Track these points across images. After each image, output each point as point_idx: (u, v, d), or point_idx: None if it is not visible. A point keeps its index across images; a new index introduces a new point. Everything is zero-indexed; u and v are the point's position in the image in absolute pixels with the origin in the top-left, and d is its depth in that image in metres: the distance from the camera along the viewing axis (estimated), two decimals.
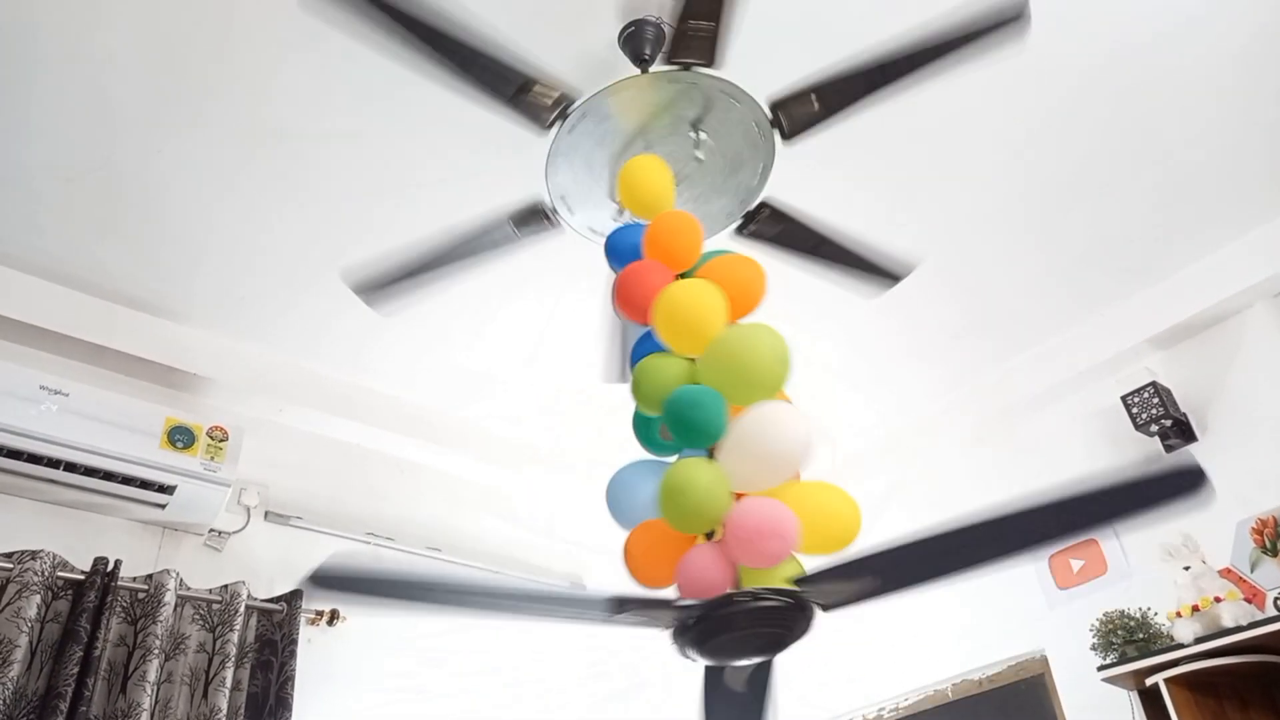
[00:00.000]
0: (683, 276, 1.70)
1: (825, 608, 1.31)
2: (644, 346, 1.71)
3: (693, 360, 1.60)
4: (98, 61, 2.13)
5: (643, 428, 1.71)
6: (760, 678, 1.60)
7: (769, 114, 1.90)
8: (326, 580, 1.31)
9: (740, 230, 2.13)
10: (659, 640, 1.34)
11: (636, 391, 1.60)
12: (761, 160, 1.99)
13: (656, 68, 1.92)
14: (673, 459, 1.58)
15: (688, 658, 1.30)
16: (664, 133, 1.95)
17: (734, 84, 1.88)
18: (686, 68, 1.85)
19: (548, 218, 2.05)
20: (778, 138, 1.95)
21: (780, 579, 1.29)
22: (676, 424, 1.48)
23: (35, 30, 2.04)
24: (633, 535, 1.52)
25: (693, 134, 1.94)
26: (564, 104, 1.86)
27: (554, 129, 1.90)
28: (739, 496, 1.43)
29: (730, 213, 2.09)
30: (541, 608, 1.54)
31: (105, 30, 2.06)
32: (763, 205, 2.07)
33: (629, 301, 1.68)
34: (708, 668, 1.55)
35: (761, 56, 2.04)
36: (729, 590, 1.28)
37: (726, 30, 1.78)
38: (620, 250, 1.83)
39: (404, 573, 1.41)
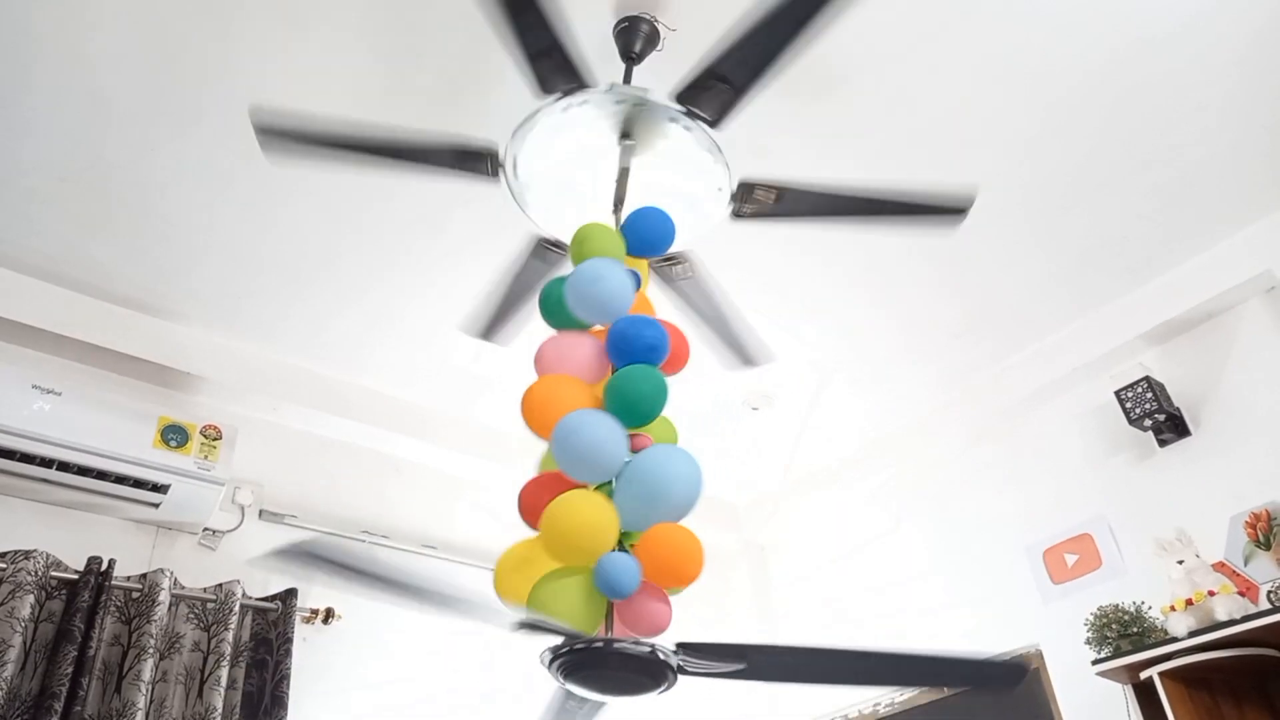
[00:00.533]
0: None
1: (686, 673, 1.43)
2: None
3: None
4: (93, 60, 2.12)
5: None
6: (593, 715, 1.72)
7: (685, 110, 1.90)
8: (293, 554, 1.40)
9: (737, 215, 2.10)
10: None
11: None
12: (706, 148, 1.97)
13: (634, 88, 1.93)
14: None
15: (554, 677, 1.42)
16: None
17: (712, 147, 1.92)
18: (696, 116, 1.88)
19: (490, 166, 1.99)
20: (729, 212, 2.01)
21: None
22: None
23: (30, 28, 2.03)
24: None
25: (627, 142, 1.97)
26: (493, 159, 1.94)
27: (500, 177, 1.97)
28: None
29: (712, 203, 2.07)
30: (460, 607, 1.64)
31: (101, 29, 2.05)
32: (744, 184, 2.06)
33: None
34: (563, 692, 1.65)
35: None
36: (613, 636, 1.42)
37: (751, 97, 1.80)
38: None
39: (360, 559, 1.53)
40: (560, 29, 1.70)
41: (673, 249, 2.03)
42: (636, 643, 1.38)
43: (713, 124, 1.90)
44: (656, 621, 1.47)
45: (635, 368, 1.64)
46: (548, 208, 2.08)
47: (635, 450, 1.58)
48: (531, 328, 2.76)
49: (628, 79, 2.07)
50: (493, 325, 2.43)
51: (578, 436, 1.50)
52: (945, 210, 2.05)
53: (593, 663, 1.37)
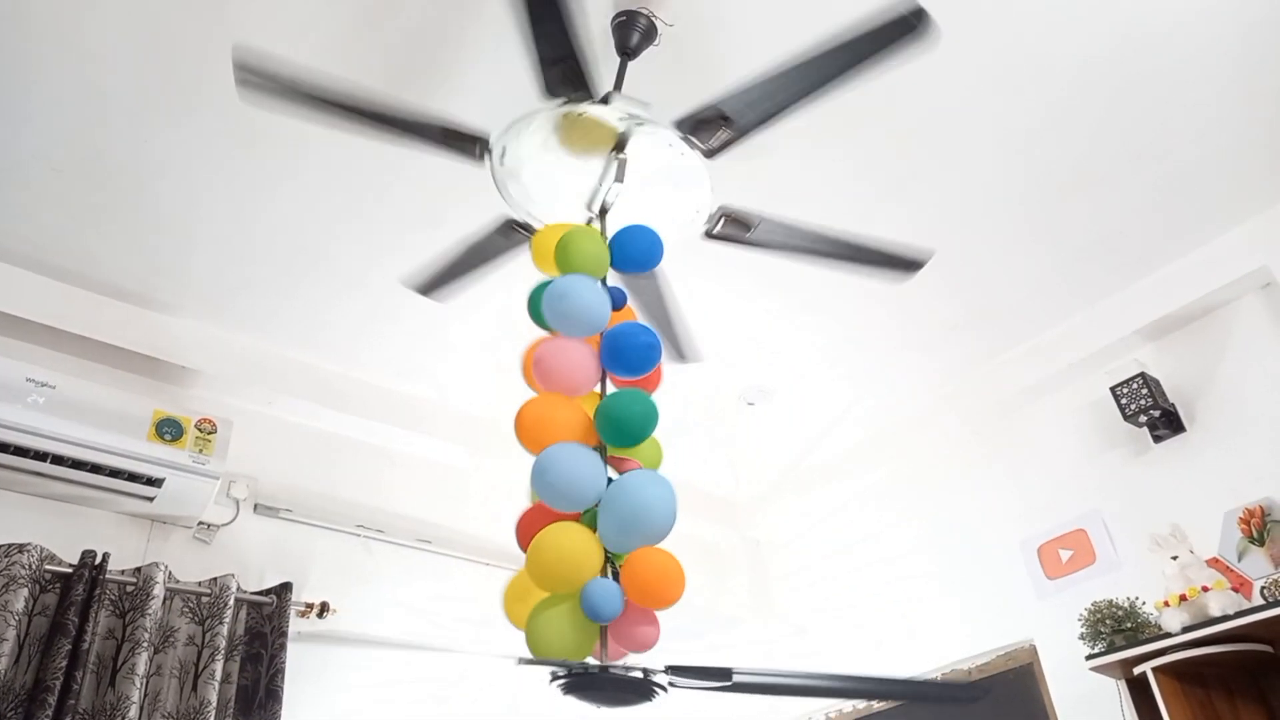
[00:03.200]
0: None
1: (676, 687, 1.55)
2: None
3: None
4: (88, 51, 2.11)
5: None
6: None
7: (682, 136, 1.92)
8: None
9: (709, 234, 2.16)
10: None
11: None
12: (695, 174, 2.00)
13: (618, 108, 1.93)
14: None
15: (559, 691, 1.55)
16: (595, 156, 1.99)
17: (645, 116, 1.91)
18: (691, 144, 1.90)
19: (478, 151, 1.99)
20: (698, 157, 1.97)
21: None
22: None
23: (26, 20, 2.02)
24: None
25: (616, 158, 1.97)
26: (483, 145, 1.92)
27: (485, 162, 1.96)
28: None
29: (689, 222, 2.12)
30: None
31: (96, 20, 2.04)
32: (723, 211, 2.11)
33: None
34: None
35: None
36: (605, 662, 1.56)
37: (749, 138, 1.82)
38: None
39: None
40: (577, 41, 1.72)
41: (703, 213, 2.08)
42: (627, 669, 1.49)
43: (708, 155, 1.94)
44: (644, 641, 1.59)
45: (624, 391, 1.69)
46: (529, 200, 2.09)
47: (621, 472, 1.65)
48: (475, 294, 2.78)
49: (621, 74, 2.07)
50: (436, 284, 2.40)
51: (555, 472, 1.57)
52: (901, 264, 2.22)
53: (588, 685, 1.50)
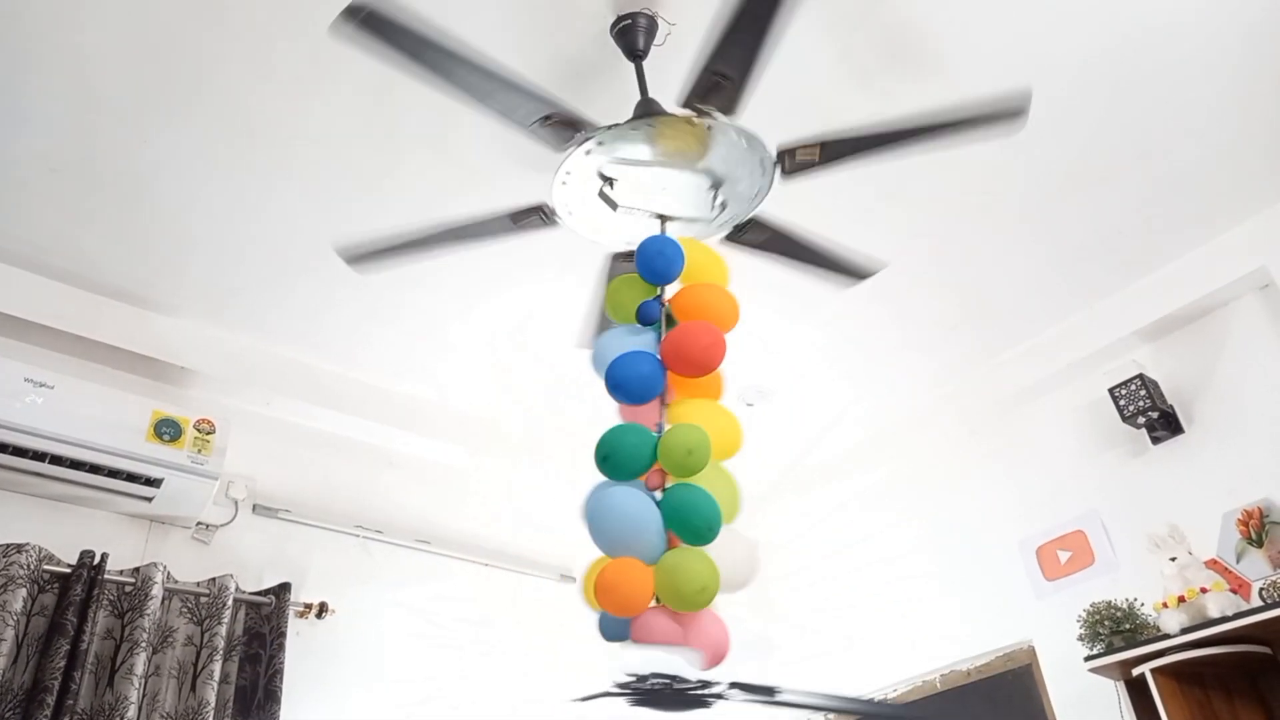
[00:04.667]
0: None
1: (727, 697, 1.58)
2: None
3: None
4: (85, 52, 2.11)
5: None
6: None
7: (775, 156, 1.98)
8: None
9: (729, 239, 2.19)
10: None
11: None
12: (759, 188, 2.06)
13: (673, 109, 1.95)
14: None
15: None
16: (673, 163, 2.00)
17: (746, 129, 1.92)
18: (705, 114, 1.89)
19: (546, 217, 2.09)
20: (778, 174, 2.03)
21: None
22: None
23: (22, 20, 2.02)
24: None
25: (699, 167, 1.99)
26: (580, 133, 1.90)
27: (567, 150, 1.95)
28: None
29: (723, 224, 2.16)
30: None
31: (93, 21, 2.04)
32: (753, 220, 2.15)
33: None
34: None
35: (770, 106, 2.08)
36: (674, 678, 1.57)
37: (752, 85, 1.82)
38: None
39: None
40: (544, 95, 1.78)
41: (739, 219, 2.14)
42: (693, 683, 1.54)
43: (786, 174, 2.00)
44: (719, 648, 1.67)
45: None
46: (605, 228, 2.13)
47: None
48: (474, 293, 2.80)
49: (640, 77, 2.07)
50: (371, 256, 2.29)
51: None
52: (1000, 116, 2.01)
53: (656, 700, 1.55)
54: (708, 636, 1.66)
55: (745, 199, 2.08)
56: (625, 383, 1.77)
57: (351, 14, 1.63)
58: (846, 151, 2.00)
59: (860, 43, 2.23)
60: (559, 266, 2.81)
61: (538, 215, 2.09)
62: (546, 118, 1.83)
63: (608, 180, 1.99)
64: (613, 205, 2.01)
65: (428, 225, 2.12)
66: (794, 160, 2.01)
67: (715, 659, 1.65)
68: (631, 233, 2.08)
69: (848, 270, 2.40)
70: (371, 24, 1.65)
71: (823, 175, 2.03)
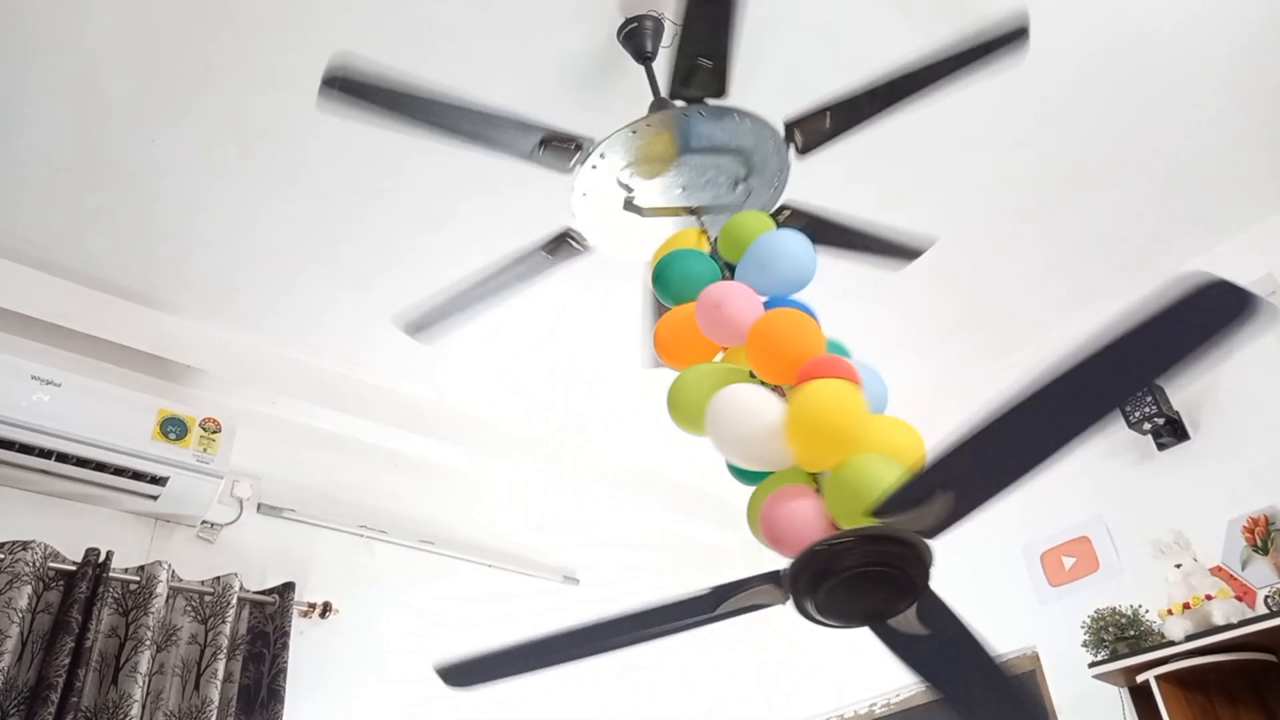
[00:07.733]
0: None
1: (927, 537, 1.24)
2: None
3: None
4: (90, 52, 2.11)
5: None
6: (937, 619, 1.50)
7: (784, 133, 1.94)
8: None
9: (803, 151, 2.14)
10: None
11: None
12: (776, 168, 2.02)
13: (668, 100, 1.95)
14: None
15: (819, 621, 1.34)
16: (673, 160, 1.98)
17: (748, 111, 1.89)
18: (697, 101, 1.88)
19: (576, 242, 2.08)
20: (792, 153, 1.98)
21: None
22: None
23: (26, 19, 2.03)
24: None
25: (710, 157, 1.96)
26: (582, 149, 1.89)
27: (575, 169, 1.93)
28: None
29: (777, 150, 2.11)
30: (648, 622, 1.53)
31: (98, 22, 2.04)
32: (783, 208, 2.11)
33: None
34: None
35: (769, 80, 2.08)
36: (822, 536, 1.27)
37: (733, 61, 1.81)
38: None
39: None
40: (533, 122, 1.78)
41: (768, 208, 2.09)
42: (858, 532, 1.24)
43: (801, 152, 1.97)
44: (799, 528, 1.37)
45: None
46: (636, 242, 2.09)
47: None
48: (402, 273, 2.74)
49: (652, 78, 2.06)
50: (430, 325, 2.36)
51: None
52: (1002, 42, 1.89)
53: (827, 571, 1.27)
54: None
55: (767, 182, 2.03)
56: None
57: (330, 85, 1.67)
58: (856, 114, 1.91)
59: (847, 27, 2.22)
60: (559, 266, 2.81)
61: (566, 242, 2.08)
62: (543, 142, 1.82)
63: (626, 188, 1.97)
64: (639, 212, 1.97)
65: (469, 279, 2.16)
66: (806, 134, 1.95)
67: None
68: (659, 238, 2.02)
69: (897, 251, 2.31)
70: (350, 89, 1.69)
71: (833, 168, 2.00)
